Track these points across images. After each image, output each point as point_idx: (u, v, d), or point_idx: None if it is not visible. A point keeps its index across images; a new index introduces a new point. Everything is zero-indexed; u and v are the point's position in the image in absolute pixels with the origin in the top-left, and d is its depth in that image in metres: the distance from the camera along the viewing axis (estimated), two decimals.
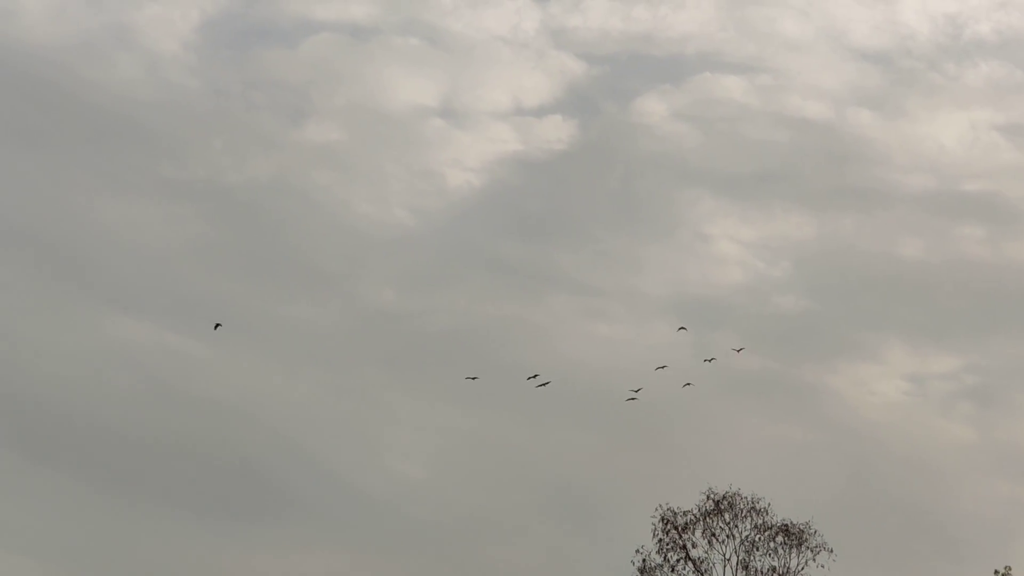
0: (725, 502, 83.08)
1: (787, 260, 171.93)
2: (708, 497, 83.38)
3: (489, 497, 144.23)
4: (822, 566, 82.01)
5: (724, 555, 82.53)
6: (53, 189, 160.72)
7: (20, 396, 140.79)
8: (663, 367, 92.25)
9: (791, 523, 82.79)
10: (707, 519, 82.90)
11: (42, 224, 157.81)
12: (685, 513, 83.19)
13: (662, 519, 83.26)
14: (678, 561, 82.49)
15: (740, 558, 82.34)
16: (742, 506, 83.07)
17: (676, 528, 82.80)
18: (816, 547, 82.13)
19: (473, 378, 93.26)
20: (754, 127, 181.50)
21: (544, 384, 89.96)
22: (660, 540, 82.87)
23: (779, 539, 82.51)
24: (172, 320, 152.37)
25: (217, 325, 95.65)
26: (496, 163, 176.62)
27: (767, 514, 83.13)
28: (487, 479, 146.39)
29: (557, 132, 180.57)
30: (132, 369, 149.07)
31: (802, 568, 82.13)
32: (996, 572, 78.60)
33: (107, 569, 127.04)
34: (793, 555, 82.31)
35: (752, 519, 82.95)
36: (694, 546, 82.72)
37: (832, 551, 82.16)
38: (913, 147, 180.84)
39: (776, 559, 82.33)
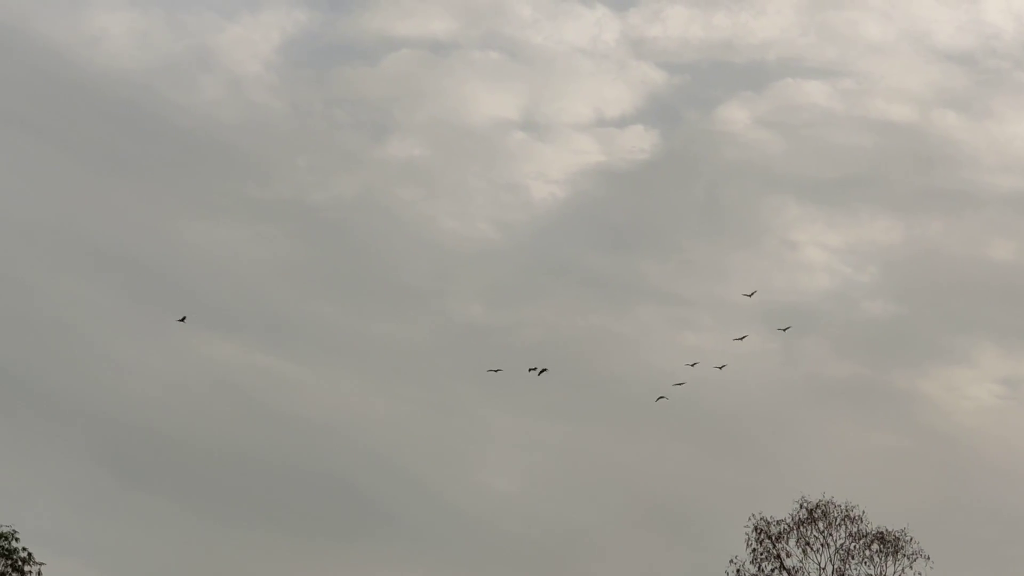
0: (819, 511, 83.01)
1: (875, 265, 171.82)
2: (801, 506, 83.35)
3: (582, 510, 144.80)
4: (919, 574, 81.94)
5: (819, 564, 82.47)
6: (142, 212, 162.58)
7: (115, 417, 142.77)
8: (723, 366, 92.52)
9: (886, 531, 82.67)
10: (801, 528, 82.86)
11: (133, 246, 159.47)
12: (779, 522, 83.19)
13: (756, 529, 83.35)
14: (772, 571, 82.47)
15: (835, 567, 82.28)
16: (836, 514, 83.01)
17: (770, 538, 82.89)
18: (912, 554, 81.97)
19: (496, 370, 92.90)
20: (838, 132, 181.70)
21: (542, 371, 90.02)
22: (754, 550, 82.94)
23: (874, 547, 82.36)
24: (262, 339, 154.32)
25: (183, 318, 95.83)
26: (579, 175, 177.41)
27: (862, 522, 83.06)
28: (580, 492, 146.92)
29: (639, 142, 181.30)
30: (224, 389, 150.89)
31: (899, 574, 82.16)
32: None
33: None
34: (889, 563, 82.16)
35: (846, 527, 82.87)
36: (788, 555, 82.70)
37: (929, 558, 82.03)
38: (1001, 147, 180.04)
39: (872, 567, 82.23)
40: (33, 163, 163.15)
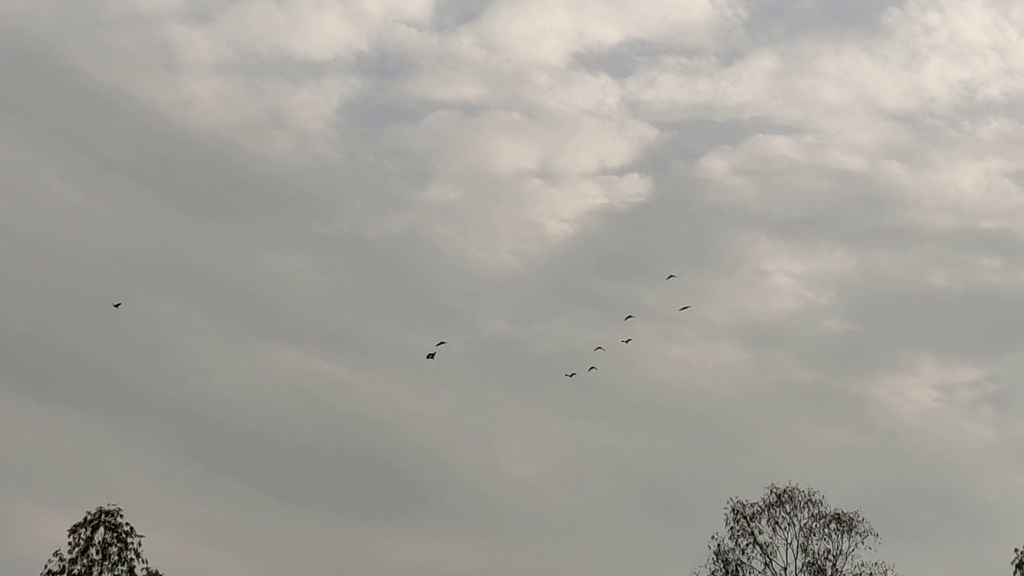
0: (786, 495, 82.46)
1: (832, 290, 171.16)
2: (771, 491, 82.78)
3: (587, 494, 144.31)
4: (869, 548, 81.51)
5: (786, 540, 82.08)
6: (227, 245, 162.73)
7: (203, 414, 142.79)
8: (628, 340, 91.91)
9: (842, 512, 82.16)
10: (771, 510, 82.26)
11: (220, 274, 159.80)
12: (752, 505, 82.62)
13: (733, 510, 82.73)
14: (747, 546, 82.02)
15: (800, 542, 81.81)
16: (800, 498, 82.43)
17: (745, 518, 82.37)
18: (864, 532, 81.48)
19: (441, 343, 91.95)
20: (801, 179, 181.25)
21: (434, 351, 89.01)
22: (732, 528, 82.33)
23: (832, 526, 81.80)
24: (324, 349, 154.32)
25: (118, 304, 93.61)
26: (586, 214, 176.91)
27: (822, 505, 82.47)
28: (586, 478, 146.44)
29: (636, 188, 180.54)
30: (292, 390, 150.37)
31: (852, 550, 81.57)
32: (1016, 550, 77.77)
33: (275, 556, 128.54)
34: (845, 539, 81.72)
35: (809, 509, 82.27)
36: (760, 532, 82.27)
37: (878, 535, 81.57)
38: (937, 192, 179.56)
39: (830, 543, 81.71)
40: (139, 205, 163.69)
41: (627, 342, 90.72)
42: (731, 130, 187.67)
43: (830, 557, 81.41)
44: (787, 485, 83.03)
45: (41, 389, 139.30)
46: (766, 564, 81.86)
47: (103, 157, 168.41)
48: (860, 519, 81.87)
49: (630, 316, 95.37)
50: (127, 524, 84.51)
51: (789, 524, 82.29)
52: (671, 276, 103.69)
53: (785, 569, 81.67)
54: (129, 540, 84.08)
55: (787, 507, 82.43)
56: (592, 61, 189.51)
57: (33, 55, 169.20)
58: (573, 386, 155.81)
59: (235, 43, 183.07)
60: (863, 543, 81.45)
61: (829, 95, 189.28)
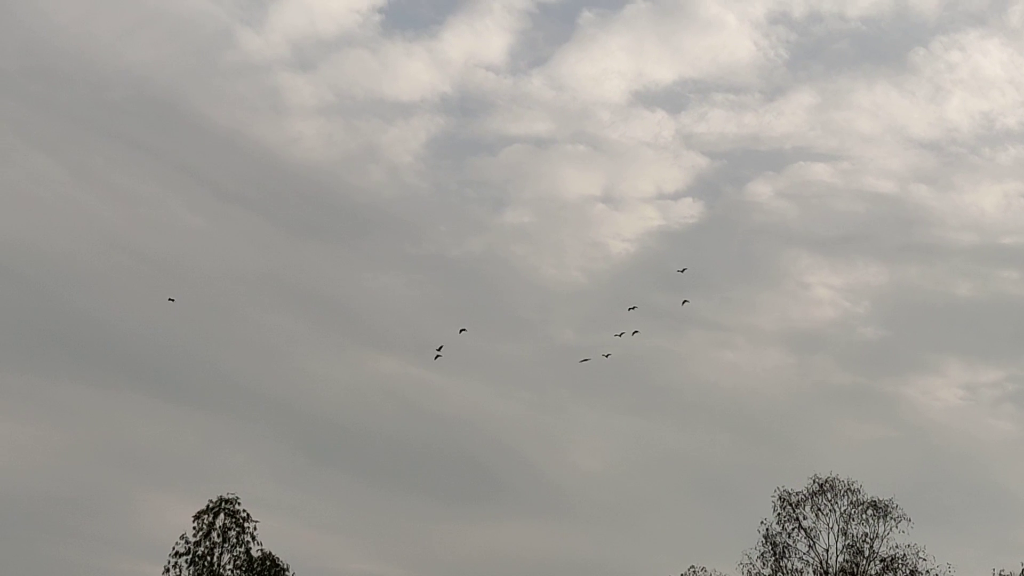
0: (827, 485, 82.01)
1: (867, 300, 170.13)
2: (814, 481, 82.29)
3: (649, 484, 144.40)
4: (903, 532, 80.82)
5: (828, 525, 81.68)
6: (329, 264, 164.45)
7: (310, 414, 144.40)
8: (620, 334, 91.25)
9: (878, 499, 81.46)
10: (814, 498, 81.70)
11: (323, 290, 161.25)
12: (797, 493, 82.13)
13: (780, 498, 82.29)
14: (793, 530, 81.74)
15: (840, 527, 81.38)
16: (840, 487, 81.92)
17: (791, 505, 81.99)
18: (898, 517, 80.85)
19: (463, 330, 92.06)
20: (839, 201, 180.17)
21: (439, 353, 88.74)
22: (779, 514, 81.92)
23: (869, 512, 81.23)
24: (414, 356, 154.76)
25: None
26: (645, 235, 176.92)
27: (859, 493, 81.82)
28: (647, 470, 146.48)
29: (690, 210, 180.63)
30: (387, 393, 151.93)
31: (887, 533, 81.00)
32: None
33: (372, 538, 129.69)
34: (880, 524, 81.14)
35: (848, 497, 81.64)
36: (804, 518, 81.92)
37: (910, 520, 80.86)
38: (961, 212, 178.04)
39: (867, 527, 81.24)
40: (253, 230, 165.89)
41: (635, 334, 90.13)
42: (775, 158, 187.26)
43: (867, 540, 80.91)
44: (828, 476, 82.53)
45: (169, 392, 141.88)
46: (810, 546, 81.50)
47: (221, 189, 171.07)
48: (894, 506, 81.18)
49: (686, 301, 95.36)
50: (244, 511, 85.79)
51: (830, 510, 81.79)
52: (685, 301, 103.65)
53: (827, 551, 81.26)
54: (246, 525, 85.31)
55: (828, 495, 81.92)
56: (649, 98, 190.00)
57: (160, 101, 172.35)
58: (635, 387, 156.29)
59: (335, 88, 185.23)
60: (897, 527, 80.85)
61: (863, 126, 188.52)
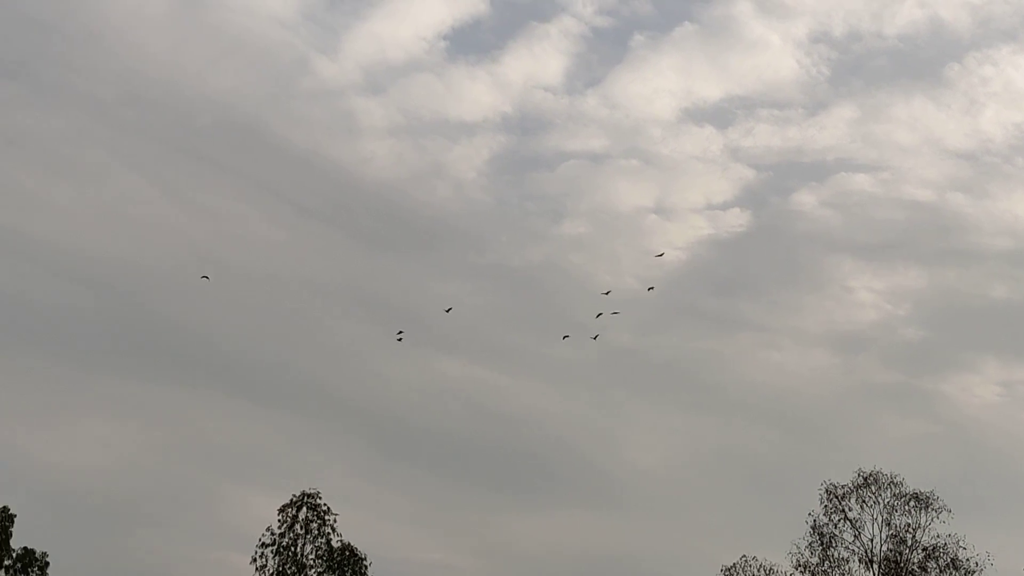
0: (871, 478, 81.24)
1: (908, 303, 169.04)
2: (859, 475, 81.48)
3: (700, 478, 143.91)
4: (943, 522, 79.82)
5: (872, 516, 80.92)
6: (400, 274, 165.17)
7: (384, 414, 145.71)
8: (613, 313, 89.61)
9: (920, 492, 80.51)
10: (859, 491, 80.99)
11: (394, 297, 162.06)
12: (843, 487, 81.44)
13: (826, 491, 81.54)
14: (839, 521, 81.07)
15: (884, 518, 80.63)
16: (884, 481, 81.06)
17: (837, 497, 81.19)
18: (939, 508, 79.92)
19: (400, 332, 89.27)
20: (879, 209, 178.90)
21: (400, 334, 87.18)
22: (825, 506, 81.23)
23: (912, 503, 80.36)
24: (480, 359, 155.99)
25: (205, 276, 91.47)
26: (696, 244, 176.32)
27: (902, 486, 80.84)
28: (699, 465, 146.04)
29: (737, 220, 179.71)
30: (454, 393, 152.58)
31: (929, 524, 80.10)
32: None
33: (443, 528, 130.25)
34: (922, 515, 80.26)
35: (891, 490, 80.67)
36: (850, 510, 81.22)
37: (951, 511, 79.91)
38: (996, 218, 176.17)
39: (910, 518, 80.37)
40: (329, 244, 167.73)
41: (615, 314, 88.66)
42: (818, 169, 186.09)
43: (910, 530, 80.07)
44: (872, 469, 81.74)
45: (255, 394, 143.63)
46: (855, 536, 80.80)
47: (300, 205, 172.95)
48: (935, 497, 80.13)
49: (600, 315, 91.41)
50: (325, 504, 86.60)
51: (874, 502, 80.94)
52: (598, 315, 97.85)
53: (871, 541, 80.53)
54: (327, 517, 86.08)
55: (872, 488, 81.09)
56: (698, 115, 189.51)
57: (243, 125, 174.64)
58: (687, 388, 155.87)
59: (403, 110, 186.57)
60: (938, 518, 79.93)
61: (901, 138, 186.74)
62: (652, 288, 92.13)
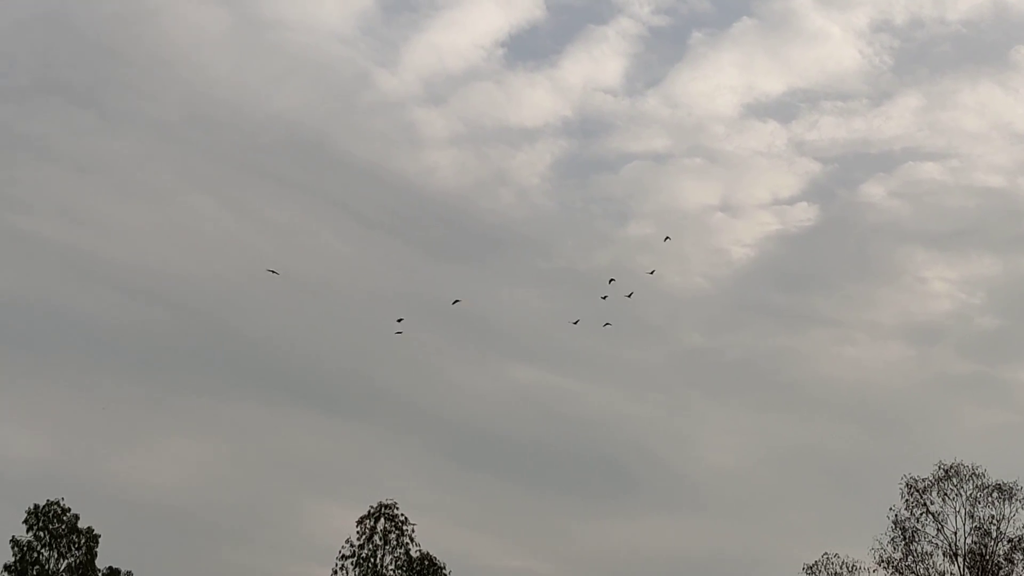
0: (952, 470, 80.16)
1: (983, 291, 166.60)
2: (940, 467, 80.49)
3: (779, 477, 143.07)
4: None
5: (955, 509, 79.77)
6: (469, 282, 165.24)
7: (457, 422, 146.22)
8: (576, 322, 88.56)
9: (1003, 482, 79.29)
10: (940, 484, 79.90)
11: (464, 304, 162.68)
12: (923, 480, 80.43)
13: (907, 485, 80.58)
14: (921, 515, 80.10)
15: (967, 510, 79.49)
16: (965, 473, 80.00)
17: (918, 491, 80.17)
18: (1023, 499, 78.96)
19: (400, 320, 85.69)
20: (950, 198, 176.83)
21: (400, 321, 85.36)
22: (907, 500, 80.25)
23: (995, 495, 79.21)
24: (551, 365, 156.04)
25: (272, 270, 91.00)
26: (764, 240, 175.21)
27: (984, 477, 79.71)
28: (776, 464, 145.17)
29: (805, 214, 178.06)
30: (528, 400, 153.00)
31: (1014, 515, 78.90)
32: None
33: (520, 535, 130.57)
34: (1006, 506, 79.04)
35: (973, 481, 79.55)
36: (932, 503, 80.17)
37: None
38: None
39: (994, 509, 79.18)
40: (395, 254, 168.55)
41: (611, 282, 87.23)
42: (885, 160, 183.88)
43: (994, 522, 78.84)
44: (953, 461, 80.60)
45: (328, 406, 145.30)
46: (938, 530, 79.73)
47: (365, 217, 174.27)
48: (1019, 488, 78.99)
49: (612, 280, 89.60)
50: (402, 515, 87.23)
51: (956, 495, 79.81)
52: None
53: (955, 533, 79.48)
54: (405, 528, 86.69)
55: (954, 481, 79.96)
56: (761, 110, 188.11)
57: (308, 141, 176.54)
58: (762, 386, 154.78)
59: (464, 119, 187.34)
60: (1022, 508, 78.75)
61: (969, 124, 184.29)
62: (653, 271, 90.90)
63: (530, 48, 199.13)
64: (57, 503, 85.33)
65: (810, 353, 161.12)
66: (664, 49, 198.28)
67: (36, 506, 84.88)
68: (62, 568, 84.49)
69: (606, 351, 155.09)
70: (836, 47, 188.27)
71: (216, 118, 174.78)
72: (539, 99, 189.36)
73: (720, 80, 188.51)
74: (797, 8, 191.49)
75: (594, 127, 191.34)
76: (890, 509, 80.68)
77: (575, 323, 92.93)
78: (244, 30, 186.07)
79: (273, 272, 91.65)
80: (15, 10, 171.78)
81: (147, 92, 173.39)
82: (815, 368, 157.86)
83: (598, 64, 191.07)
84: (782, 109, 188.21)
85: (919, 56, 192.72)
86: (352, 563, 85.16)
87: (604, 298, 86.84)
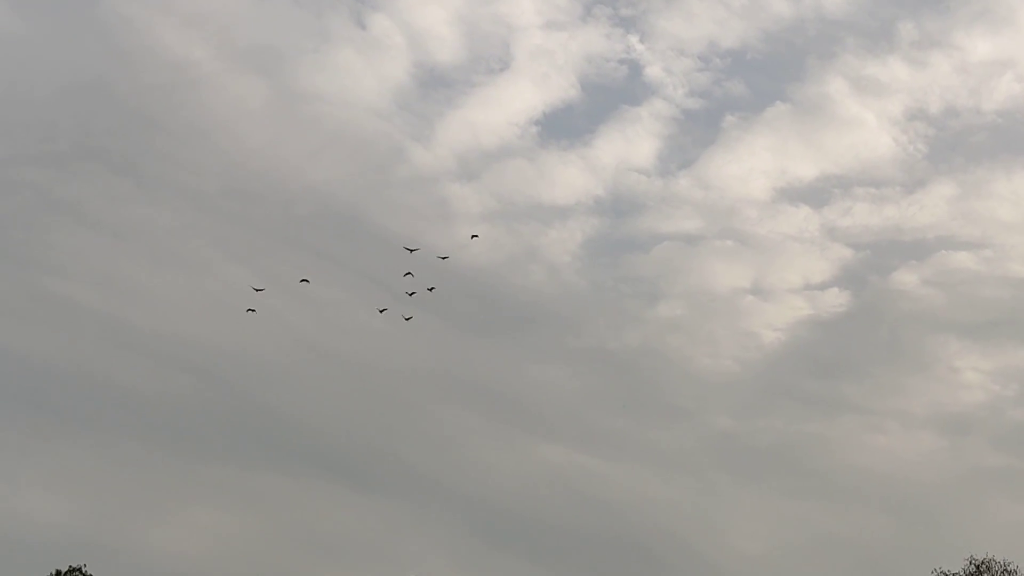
0: (984, 566, 79.32)
1: (1017, 383, 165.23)
2: (971, 562, 79.78)
3: (808, 565, 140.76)
4: None
5: None
6: (499, 359, 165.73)
7: (484, 500, 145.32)
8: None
9: None
10: None
11: (492, 382, 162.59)
12: (955, 574, 79.85)
13: None
14: None
15: None
16: (997, 568, 79.15)
17: None
18: None
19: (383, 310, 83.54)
20: (984, 288, 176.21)
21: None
22: None
23: None
24: (579, 444, 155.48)
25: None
26: (796, 324, 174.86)
27: (1016, 573, 78.79)
28: (806, 552, 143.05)
29: (837, 300, 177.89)
30: (555, 480, 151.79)
31: None
32: None
33: None
34: None
35: None
36: None
37: None
38: None
39: None
40: (428, 329, 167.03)
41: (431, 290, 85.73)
42: (918, 248, 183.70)
43: None
44: (985, 556, 79.94)
45: (355, 481, 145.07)
46: None
47: (397, 293, 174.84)
48: None
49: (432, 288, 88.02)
50: None
51: None
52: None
53: None
54: None
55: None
56: (793, 194, 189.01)
57: (343, 215, 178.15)
58: (792, 472, 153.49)
59: (497, 195, 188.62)
60: None
61: (1003, 214, 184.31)
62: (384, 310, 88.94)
63: (564, 127, 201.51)
64: (79, 569, 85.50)
65: (841, 440, 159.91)
66: (697, 131, 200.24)
67: (58, 572, 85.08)
68: None
69: (635, 432, 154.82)
70: (871, 134, 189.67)
71: (252, 190, 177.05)
72: (572, 177, 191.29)
73: (753, 163, 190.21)
74: (832, 94, 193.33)
75: (626, 207, 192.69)
76: None
77: (382, 311, 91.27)
78: (282, 103, 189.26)
79: (252, 311, 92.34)
80: (58, 76, 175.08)
81: (185, 162, 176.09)
82: (845, 456, 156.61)
83: (631, 144, 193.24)
84: (815, 194, 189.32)
85: (954, 145, 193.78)
86: None
87: (407, 275, 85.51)
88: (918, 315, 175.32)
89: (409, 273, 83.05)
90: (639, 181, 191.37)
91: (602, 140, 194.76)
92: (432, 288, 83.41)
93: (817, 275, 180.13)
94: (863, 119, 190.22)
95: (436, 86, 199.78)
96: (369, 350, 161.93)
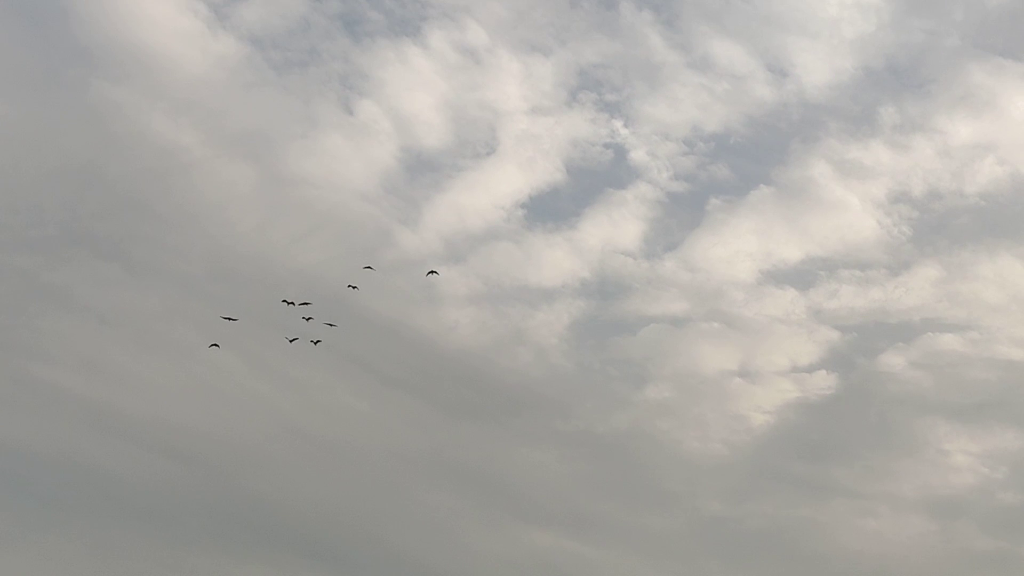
0: None
1: (1006, 466, 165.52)
2: None
3: None
4: None
5: None
6: (487, 442, 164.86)
7: None
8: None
9: None
10: None
11: (481, 467, 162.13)
12: None
13: None
14: None
15: None
16: None
17: None
18: None
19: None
20: (972, 370, 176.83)
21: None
22: None
23: None
24: (568, 529, 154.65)
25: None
26: (784, 407, 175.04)
27: None
28: None
29: (825, 382, 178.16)
30: (544, 566, 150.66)
31: None
32: None
33: None
34: None
35: None
36: None
37: None
38: None
39: None
40: (414, 413, 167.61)
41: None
42: (904, 330, 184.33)
43: None
44: None
45: (343, 567, 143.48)
46: None
47: (384, 375, 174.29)
48: None
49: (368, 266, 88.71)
50: None
51: None
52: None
53: None
54: None
55: None
56: (779, 277, 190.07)
57: (329, 297, 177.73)
58: (782, 556, 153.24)
59: (483, 278, 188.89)
60: None
61: (989, 296, 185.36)
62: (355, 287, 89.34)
63: (550, 210, 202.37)
64: None
65: (831, 524, 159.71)
66: (682, 214, 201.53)
67: None
68: None
69: (625, 517, 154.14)
70: (855, 216, 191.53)
71: (240, 273, 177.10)
72: (558, 260, 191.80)
73: (738, 246, 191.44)
74: (816, 177, 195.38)
75: (612, 289, 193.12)
76: None
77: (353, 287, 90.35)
78: (271, 187, 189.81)
79: (215, 345, 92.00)
80: (47, 159, 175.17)
81: (173, 246, 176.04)
82: (837, 540, 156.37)
83: (617, 227, 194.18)
84: (800, 276, 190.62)
85: (938, 227, 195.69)
86: None
87: (308, 319, 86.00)
88: (906, 397, 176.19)
89: (310, 317, 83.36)
90: (625, 263, 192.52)
91: (588, 223, 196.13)
92: (318, 341, 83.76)
93: (804, 357, 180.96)
94: (847, 202, 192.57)
95: (423, 170, 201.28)
96: (355, 433, 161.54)
